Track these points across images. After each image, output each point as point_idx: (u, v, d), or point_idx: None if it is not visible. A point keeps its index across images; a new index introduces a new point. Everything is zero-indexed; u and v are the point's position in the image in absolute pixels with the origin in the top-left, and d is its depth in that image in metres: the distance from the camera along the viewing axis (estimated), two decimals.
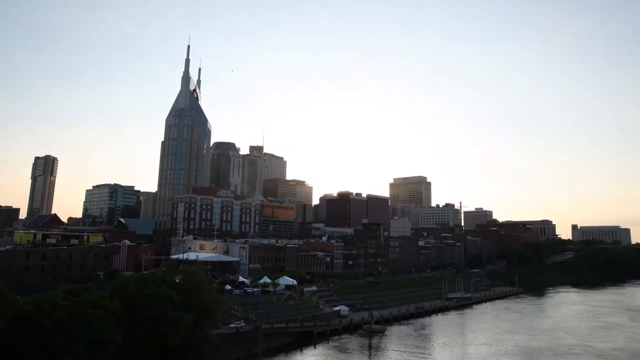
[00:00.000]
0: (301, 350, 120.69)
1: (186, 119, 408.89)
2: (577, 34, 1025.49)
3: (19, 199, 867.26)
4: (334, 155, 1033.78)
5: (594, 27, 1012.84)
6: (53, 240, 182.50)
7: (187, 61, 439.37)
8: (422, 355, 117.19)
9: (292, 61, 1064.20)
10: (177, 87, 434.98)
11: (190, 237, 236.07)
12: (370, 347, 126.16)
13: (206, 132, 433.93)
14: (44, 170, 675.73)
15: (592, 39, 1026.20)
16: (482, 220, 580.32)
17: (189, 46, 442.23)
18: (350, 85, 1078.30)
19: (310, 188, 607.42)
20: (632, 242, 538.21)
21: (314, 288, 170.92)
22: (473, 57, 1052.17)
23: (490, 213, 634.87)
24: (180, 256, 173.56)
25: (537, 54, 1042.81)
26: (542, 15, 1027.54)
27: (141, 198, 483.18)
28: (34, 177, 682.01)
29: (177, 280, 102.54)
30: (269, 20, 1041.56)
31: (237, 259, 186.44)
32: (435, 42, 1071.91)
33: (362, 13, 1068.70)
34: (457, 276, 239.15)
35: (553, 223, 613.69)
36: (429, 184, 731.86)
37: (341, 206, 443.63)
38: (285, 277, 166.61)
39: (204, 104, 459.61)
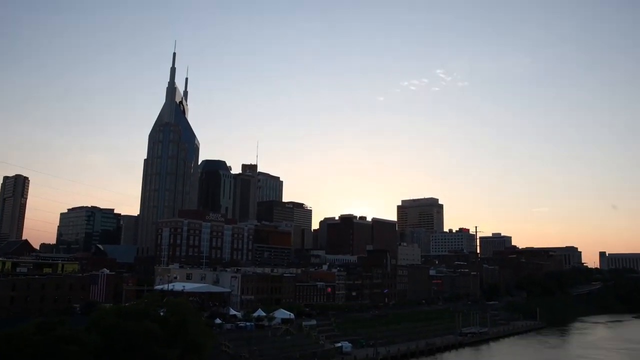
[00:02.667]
0: None
1: (172, 134, 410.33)
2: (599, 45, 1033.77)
3: None
4: (335, 175, 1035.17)
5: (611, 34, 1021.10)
6: (24, 269, 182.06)
7: (173, 70, 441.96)
8: None
9: (289, 70, 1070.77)
10: (161, 99, 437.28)
11: (176, 265, 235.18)
12: None
13: (194, 149, 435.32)
14: (14, 191, 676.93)
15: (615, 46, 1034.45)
16: (499, 246, 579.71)
17: (174, 53, 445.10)
18: (353, 99, 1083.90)
19: (309, 211, 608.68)
20: None
21: (314, 322, 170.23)
22: (487, 70, 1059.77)
23: (508, 239, 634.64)
24: (165, 287, 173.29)
25: (556, 66, 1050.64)
26: (558, 24, 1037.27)
27: (121, 222, 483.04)
28: (2, 199, 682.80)
29: (162, 314, 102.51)
30: (264, 25, 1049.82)
31: (228, 290, 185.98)
32: (448, 54, 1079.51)
33: (364, 26, 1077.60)
34: (472, 309, 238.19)
35: (579, 250, 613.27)
36: (441, 206, 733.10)
37: (343, 231, 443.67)
38: (282, 309, 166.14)
39: (192, 117, 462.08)
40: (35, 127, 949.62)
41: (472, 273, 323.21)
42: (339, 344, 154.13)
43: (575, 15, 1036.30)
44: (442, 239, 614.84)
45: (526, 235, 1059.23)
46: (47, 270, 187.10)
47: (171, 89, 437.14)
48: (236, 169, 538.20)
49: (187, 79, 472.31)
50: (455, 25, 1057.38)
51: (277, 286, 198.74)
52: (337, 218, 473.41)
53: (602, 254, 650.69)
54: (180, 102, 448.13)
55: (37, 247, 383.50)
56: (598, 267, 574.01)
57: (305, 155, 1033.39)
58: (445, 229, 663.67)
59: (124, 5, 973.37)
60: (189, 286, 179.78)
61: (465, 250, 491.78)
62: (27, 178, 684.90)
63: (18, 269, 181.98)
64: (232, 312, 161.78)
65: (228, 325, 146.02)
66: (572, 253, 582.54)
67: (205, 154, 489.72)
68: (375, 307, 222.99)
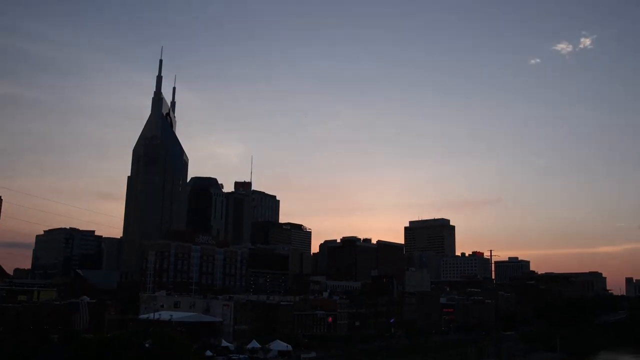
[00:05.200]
0: None
1: (158, 149, 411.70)
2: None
3: None
4: (336, 193, 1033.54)
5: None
6: None
7: (159, 79, 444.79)
8: None
9: (285, 76, 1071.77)
10: (146, 111, 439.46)
11: (163, 292, 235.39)
12: None
13: (182, 166, 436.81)
14: None
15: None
16: (516, 272, 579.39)
17: (161, 60, 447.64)
18: (354, 111, 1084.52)
19: (309, 233, 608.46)
20: None
21: (313, 354, 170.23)
22: (505, 79, 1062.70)
23: (526, 263, 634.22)
24: (151, 316, 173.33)
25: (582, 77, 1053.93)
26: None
27: (103, 245, 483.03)
28: None
29: (147, 345, 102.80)
30: (259, 29, 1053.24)
31: (220, 320, 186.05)
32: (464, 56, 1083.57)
33: (365, 39, 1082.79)
34: (486, 340, 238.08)
35: (603, 276, 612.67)
36: (452, 228, 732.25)
37: (345, 255, 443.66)
38: (278, 341, 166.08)
39: (180, 131, 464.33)
40: (5, 141, 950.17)
41: (486, 301, 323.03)
42: None
43: None
44: (453, 264, 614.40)
45: (545, 259, 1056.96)
46: (21, 297, 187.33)
47: (157, 99, 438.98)
48: (228, 187, 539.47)
49: (174, 88, 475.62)
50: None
51: (273, 315, 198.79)
52: (338, 240, 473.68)
53: (628, 280, 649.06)
54: (167, 114, 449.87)
55: (11, 273, 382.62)
56: (624, 294, 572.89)
57: (304, 172, 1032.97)
58: (457, 253, 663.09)
59: (104, 6, 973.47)
60: (177, 315, 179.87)
61: (479, 276, 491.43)
62: (0, 197, 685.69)
63: None
64: (224, 343, 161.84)
65: (220, 358, 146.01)
66: (595, 279, 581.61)
67: (194, 170, 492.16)
68: (380, 338, 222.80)
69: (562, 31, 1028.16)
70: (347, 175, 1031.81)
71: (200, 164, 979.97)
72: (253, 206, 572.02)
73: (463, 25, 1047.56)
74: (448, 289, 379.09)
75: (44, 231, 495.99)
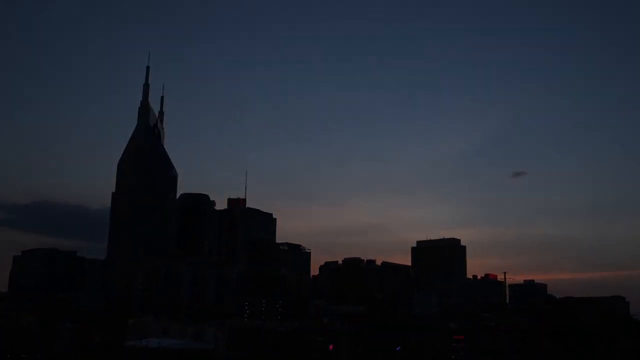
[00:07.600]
0: None
1: (145, 162, 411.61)
2: None
3: None
4: (337, 210, 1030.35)
5: None
6: None
7: (146, 87, 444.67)
8: None
9: (282, 81, 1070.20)
10: (132, 121, 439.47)
11: (152, 316, 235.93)
12: None
13: (171, 180, 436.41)
14: None
15: None
16: (533, 296, 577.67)
17: (148, 67, 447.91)
18: (354, 121, 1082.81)
19: (308, 253, 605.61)
20: None
21: None
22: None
23: (543, 287, 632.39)
24: (138, 343, 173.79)
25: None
26: None
27: (86, 266, 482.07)
28: None
29: None
30: (254, 34, 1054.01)
31: (212, 346, 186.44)
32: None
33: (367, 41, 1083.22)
34: None
35: (627, 300, 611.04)
36: (463, 248, 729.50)
37: (348, 277, 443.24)
38: None
39: (168, 143, 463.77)
40: None
41: (500, 327, 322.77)
42: None
43: None
44: (464, 287, 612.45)
45: (564, 282, 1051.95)
46: None
47: (144, 109, 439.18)
48: (221, 204, 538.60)
49: (162, 97, 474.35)
50: None
51: (270, 342, 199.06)
52: (340, 262, 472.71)
53: None
54: (155, 125, 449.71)
55: None
56: None
57: (302, 187, 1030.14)
58: (469, 275, 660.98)
59: (90, 6, 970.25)
60: (166, 342, 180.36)
61: (491, 301, 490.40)
62: None
63: None
64: None
65: None
66: (618, 303, 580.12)
67: (184, 186, 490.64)
68: None
69: None
70: (348, 192, 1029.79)
71: (190, 178, 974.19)
72: (248, 224, 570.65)
73: None
74: (458, 314, 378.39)
75: (22, 251, 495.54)
